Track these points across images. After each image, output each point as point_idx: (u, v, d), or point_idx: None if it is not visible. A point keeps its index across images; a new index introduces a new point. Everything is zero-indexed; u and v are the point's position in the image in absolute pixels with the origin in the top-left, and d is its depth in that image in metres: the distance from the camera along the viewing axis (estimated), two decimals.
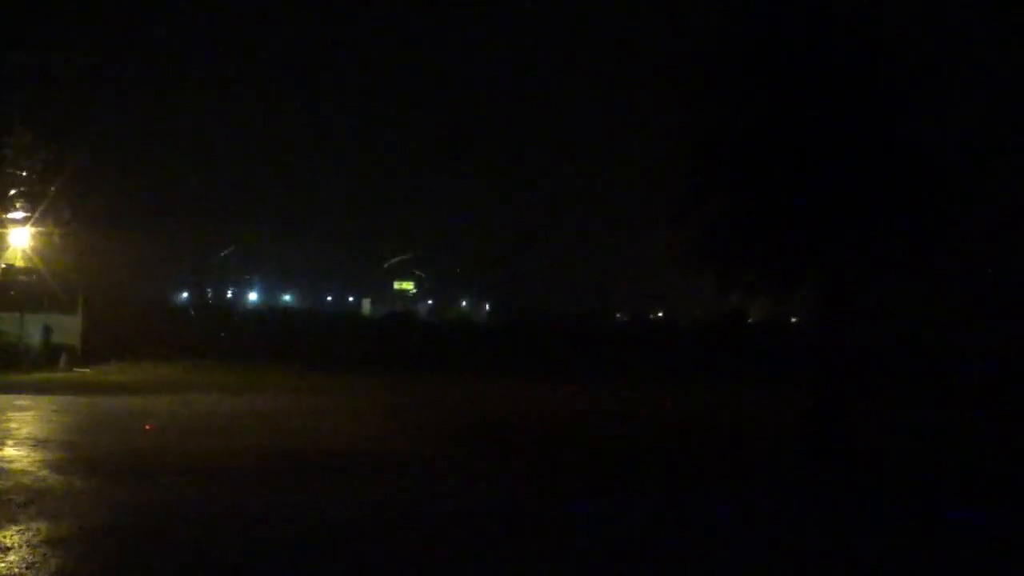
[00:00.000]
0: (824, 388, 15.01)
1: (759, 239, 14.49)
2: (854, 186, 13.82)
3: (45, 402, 19.99)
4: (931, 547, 9.72)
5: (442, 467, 13.71)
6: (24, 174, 29.36)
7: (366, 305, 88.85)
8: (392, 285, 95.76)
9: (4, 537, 8.70)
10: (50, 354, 29.10)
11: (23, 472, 11.96)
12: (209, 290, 69.71)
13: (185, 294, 65.38)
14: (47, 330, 29.69)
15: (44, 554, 8.22)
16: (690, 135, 15.16)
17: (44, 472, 12.03)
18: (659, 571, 8.72)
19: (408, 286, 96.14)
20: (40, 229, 29.26)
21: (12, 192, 29.29)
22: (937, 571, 9.05)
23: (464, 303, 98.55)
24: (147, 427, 16.52)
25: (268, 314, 59.54)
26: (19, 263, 29.68)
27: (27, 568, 7.81)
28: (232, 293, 76.22)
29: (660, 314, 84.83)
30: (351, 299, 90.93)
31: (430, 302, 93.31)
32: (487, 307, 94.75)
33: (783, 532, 10.24)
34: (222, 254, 58.15)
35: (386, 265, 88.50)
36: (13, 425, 16.25)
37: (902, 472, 14.53)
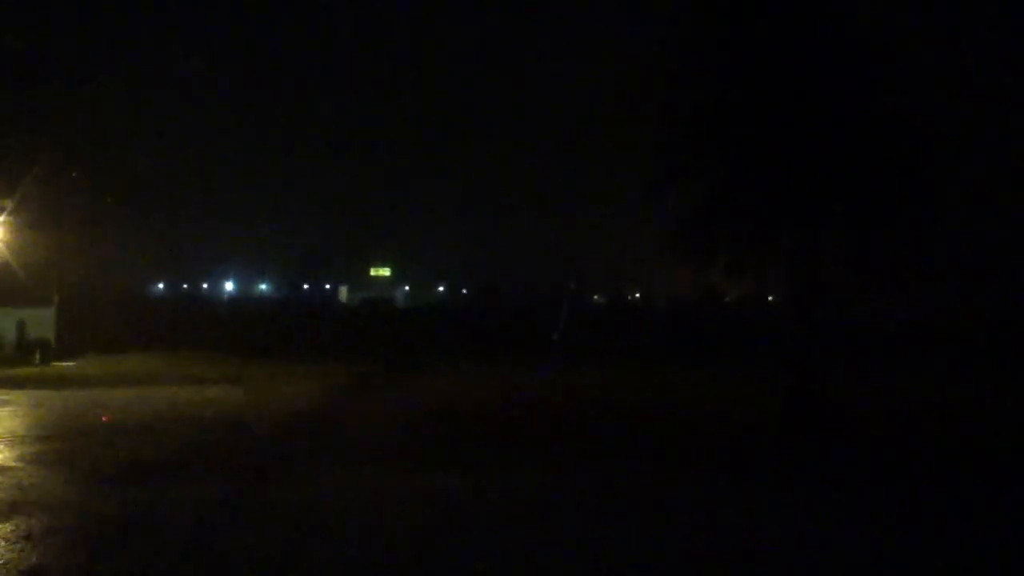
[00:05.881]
0: (802, 366, 15.12)
1: (735, 214, 14.57)
2: (832, 155, 13.95)
3: (21, 397, 19.83)
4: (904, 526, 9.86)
5: None
6: None
7: (343, 292, 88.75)
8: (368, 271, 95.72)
9: None
10: (25, 348, 28.87)
11: (2, 467, 11.89)
12: (184, 284, 69.41)
13: (160, 285, 65.05)
14: (21, 324, 29.43)
15: (22, 549, 8.17)
16: (668, 114, 15.09)
17: (23, 466, 11.95)
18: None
19: (384, 272, 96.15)
20: (12, 222, 28.83)
21: None
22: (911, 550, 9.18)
23: (441, 288, 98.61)
24: (104, 418, 16.51)
25: (243, 304, 59.34)
26: None
27: (3, 564, 7.77)
28: (208, 284, 75.85)
29: (637, 295, 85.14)
30: (327, 286, 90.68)
31: (406, 288, 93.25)
32: (464, 291, 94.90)
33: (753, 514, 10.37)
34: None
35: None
36: None
37: (875, 450, 14.51)
